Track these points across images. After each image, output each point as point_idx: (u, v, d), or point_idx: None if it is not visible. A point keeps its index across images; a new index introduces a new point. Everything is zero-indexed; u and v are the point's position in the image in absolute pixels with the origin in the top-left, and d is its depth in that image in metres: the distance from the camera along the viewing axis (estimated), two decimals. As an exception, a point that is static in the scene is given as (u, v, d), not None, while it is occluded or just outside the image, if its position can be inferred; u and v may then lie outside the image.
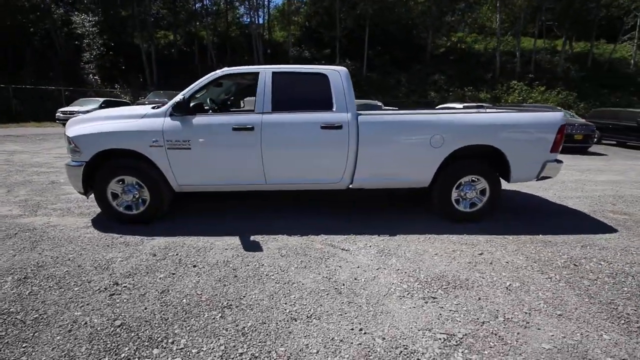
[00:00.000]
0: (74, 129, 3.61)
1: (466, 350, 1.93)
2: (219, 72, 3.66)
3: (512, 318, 2.26)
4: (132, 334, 2.00)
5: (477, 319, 2.23)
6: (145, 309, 2.25)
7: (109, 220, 3.79)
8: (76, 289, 2.48)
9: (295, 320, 2.16)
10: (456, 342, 2.00)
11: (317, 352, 1.89)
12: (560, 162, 3.93)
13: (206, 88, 3.72)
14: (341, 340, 1.99)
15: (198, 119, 3.52)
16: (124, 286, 2.52)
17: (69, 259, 2.94)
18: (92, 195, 3.75)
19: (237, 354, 1.86)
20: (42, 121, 19.16)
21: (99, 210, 4.11)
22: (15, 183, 5.64)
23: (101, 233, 3.52)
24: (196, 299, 2.38)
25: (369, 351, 1.91)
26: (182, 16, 29.44)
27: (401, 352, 1.91)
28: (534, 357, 1.89)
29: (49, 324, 2.09)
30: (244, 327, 2.08)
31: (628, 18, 26.80)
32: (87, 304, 2.29)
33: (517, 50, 26.02)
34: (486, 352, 1.92)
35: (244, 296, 2.42)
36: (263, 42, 29.44)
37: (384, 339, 2.01)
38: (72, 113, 16.45)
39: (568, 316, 2.28)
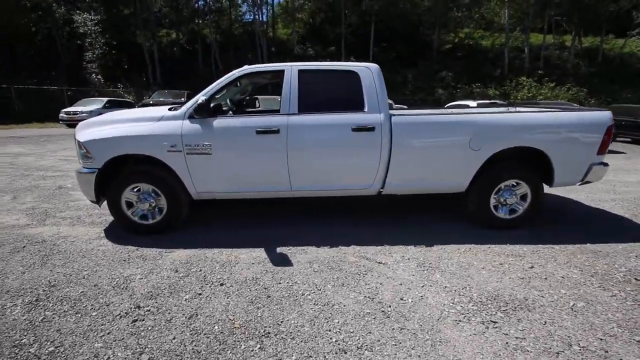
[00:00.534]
0: (85, 132, 3.35)
1: (552, 392, 1.66)
2: (240, 71, 3.39)
3: (587, 346, 1.99)
4: (163, 373, 1.75)
5: (550, 348, 1.97)
6: (174, 338, 2.00)
7: (123, 230, 3.54)
8: (94, 313, 2.23)
9: (345, 353, 1.90)
10: (537, 380, 1.73)
11: (380, 395, 1.63)
12: (606, 165, 3.65)
13: (226, 88, 3.45)
14: (404, 380, 1.72)
15: (219, 122, 3.25)
16: (147, 310, 2.26)
17: (84, 277, 2.69)
18: (104, 203, 3.50)
19: (288, 399, 1.60)
20: (45, 122, 18.96)
21: (110, 218, 3.86)
22: (21, 188, 5.40)
23: (115, 245, 3.26)
24: (229, 325, 2.12)
25: (440, 394, 1.64)
26: (184, 14, 29.12)
27: (477, 394, 1.64)
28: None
29: (67, 359, 1.84)
30: (290, 363, 1.82)
31: (638, 12, 26.29)
32: (108, 333, 2.04)
33: (525, 46, 25.59)
34: (576, 394, 1.65)
35: (281, 321, 2.16)
36: (267, 39, 29.11)
37: (453, 377, 1.75)
38: (75, 113, 16.24)
39: (653, 345, 2.01)
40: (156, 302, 2.35)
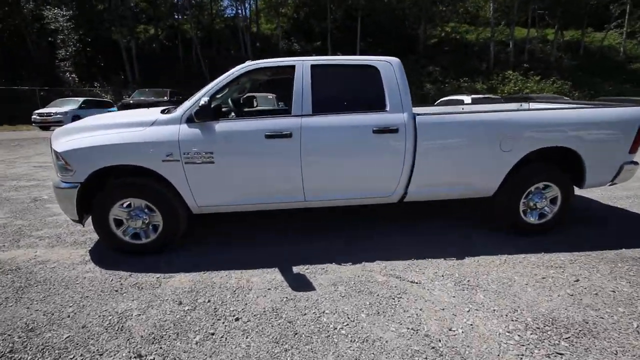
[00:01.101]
0: (63, 141, 2.87)
1: None
2: (243, 67, 2.97)
3: (675, 381, 1.71)
4: None
5: (636, 387, 1.68)
6: (189, 401, 1.60)
7: (111, 251, 3.09)
8: (85, 369, 1.81)
9: (404, 410, 1.56)
10: None
11: None
12: (637, 164, 3.43)
13: (228, 87, 3.03)
14: None
15: (222, 126, 2.84)
16: (151, 360, 1.86)
17: (69, 316, 2.24)
18: (88, 221, 3.04)
19: None
20: (16, 124, 17.82)
21: (96, 235, 3.39)
22: (-10, 202, 4.81)
23: (104, 271, 2.81)
24: (255, 377, 1.74)
25: None
26: (162, 9, 27.97)
27: None
28: None
29: None
30: None
31: (615, 6, 26.93)
32: (105, 398, 1.63)
33: (510, 40, 25.82)
34: None
35: (317, 368, 1.80)
36: (251, 35, 28.33)
37: None
38: (49, 115, 15.28)
39: None
40: (161, 348, 1.94)
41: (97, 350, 1.93)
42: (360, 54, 26.59)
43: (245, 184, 2.94)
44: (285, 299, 2.39)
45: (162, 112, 3.06)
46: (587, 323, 2.15)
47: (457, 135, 3.05)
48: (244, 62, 3.08)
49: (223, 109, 3.39)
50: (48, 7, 23.82)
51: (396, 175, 3.06)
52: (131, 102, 13.88)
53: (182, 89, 17.48)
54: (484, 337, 2.02)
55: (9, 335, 2.07)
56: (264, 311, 2.27)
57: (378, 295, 2.44)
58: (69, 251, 3.21)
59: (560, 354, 1.90)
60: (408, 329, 2.09)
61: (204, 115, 2.70)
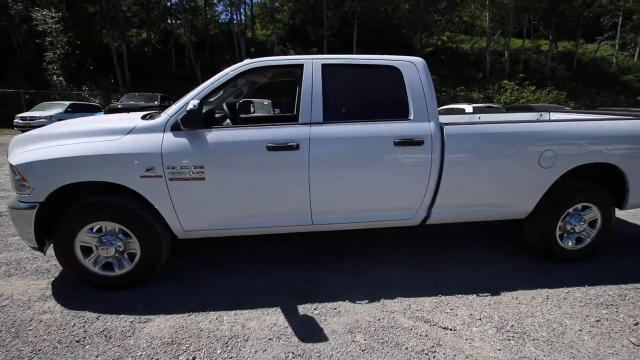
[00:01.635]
0: (20, 152, 2.36)
1: None
2: (241, 66, 2.51)
3: None
4: None
5: None
6: None
7: (79, 284, 2.56)
8: None
9: None
10: None
11: None
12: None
13: (223, 89, 2.56)
14: None
15: (215, 135, 2.36)
16: None
17: (10, 382, 1.72)
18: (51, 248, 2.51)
19: None
20: (-2, 128, 17.04)
21: (63, 263, 2.86)
22: (-53, 217, 4.22)
23: (66, 311, 2.29)
24: None
25: None
26: (155, 13, 27.47)
27: None
28: None
29: None
30: None
31: (605, 18, 27.29)
32: None
33: (506, 50, 25.89)
34: None
35: None
36: (245, 40, 27.98)
37: None
38: (32, 119, 14.57)
39: None
40: None
41: None
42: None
43: (241, 204, 2.46)
44: (291, 355, 1.90)
45: (144, 117, 2.57)
46: (674, 390, 1.70)
47: (490, 149, 2.62)
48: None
49: (216, 115, 2.92)
50: (37, 8, 23.13)
51: (419, 194, 2.61)
52: (119, 106, 13.28)
53: (174, 94, 16.95)
54: (554, 415, 1.55)
55: None
56: (266, 373, 1.77)
57: (407, 348, 1.96)
58: (28, 283, 2.67)
59: None
60: (453, 401, 1.62)
61: (193, 122, 2.22)
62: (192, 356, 1.88)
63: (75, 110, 15.59)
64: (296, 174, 2.43)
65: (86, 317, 2.22)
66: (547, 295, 2.53)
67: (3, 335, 2.06)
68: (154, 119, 2.45)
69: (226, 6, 30.26)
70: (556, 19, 25.00)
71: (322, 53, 26.40)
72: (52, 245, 2.48)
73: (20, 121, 14.68)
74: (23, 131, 14.66)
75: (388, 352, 1.92)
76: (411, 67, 2.56)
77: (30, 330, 2.11)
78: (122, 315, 2.24)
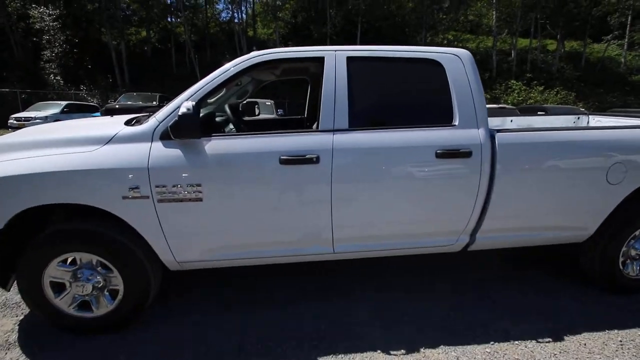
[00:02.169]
0: (-27, 166, 1.90)
1: None
2: (249, 59, 2.03)
3: None
4: None
5: None
6: None
7: (49, 325, 2.10)
8: None
9: None
10: None
11: None
12: None
13: (225, 88, 2.11)
14: None
15: (215, 145, 1.89)
16: None
17: None
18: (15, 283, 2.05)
19: None
20: (-7, 128, 16.57)
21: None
22: None
23: (31, 365, 1.83)
24: None
25: None
26: (155, 11, 26.98)
27: None
28: None
29: None
30: None
31: (613, 18, 26.77)
32: None
33: (513, 49, 25.36)
34: None
35: None
36: (247, 39, 27.51)
37: None
38: (27, 119, 14.08)
39: None
40: None
41: None
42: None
43: (247, 230, 2.00)
44: None
45: (128, 123, 2.11)
46: None
47: (551, 161, 2.15)
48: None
49: (217, 119, 2.46)
50: (34, 5, 22.68)
51: (464, 216, 2.15)
52: (117, 106, 12.82)
53: (174, 94, 16.46)
54: None
55: None
56: None
57: None
58: (-10, 322, 2.22)
59: None
60: None
61: (186, 130, 1.75)
62: None
63: (72, 111, 15.16)
64: (316, 192, 1.97)
65: (54, 375, 1.77)
66: (620, 340, 2.07)
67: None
68: (141, 123, 1.99)
69: (227, 4, 29.78)
70: (564, 17, 24.49)
71: (325, 52, 25.89)
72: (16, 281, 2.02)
73: (15, 122, 14.20)
74: (17, 132, 14.23)
75: None
76: (456, 61, 2.10)
77: (-21, 395, 1.66)
78: (99, 372, 1.78)
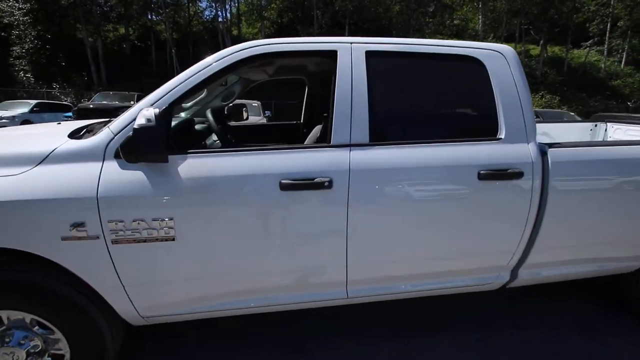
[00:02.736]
0: None
1: None
2: (237, 52, 1.53)
3: None
4: None
5: None
6: None
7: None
8: None
9: None
10: None
11: None
12: None
13: (205, 87, 1.61)
14: None
15: (192, 165, 1.40)
16: None
17: None
18: None
19: None
20: (-47, 129, 15.31)
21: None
22: None
23: None
24: None
25: None
26: (134, 7, 25.91)
27: None
28: None
29: None
30: None
31: (592, 25, 27.45)
32: None
33: (497, 54, 25.49)
34: None
35: None
36: (231, 38, 26.76)
37: None
38: (-8, 119, 13.06)
39: None
40: None
41: None
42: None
43: (235, 274, 1.53)
44: None
45: (75, 134, 1.59)
46: None
47: (612, 182, 1.76)
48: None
49: (197, 127, 1.97)
50: (3, -1, 21.32)
51: (509, 249, 1.74)
52: (91, 106, 11.98)
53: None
54: None
55: None
56: None
57: None
58: None
59: None
60: None
61: (145, 150, 1.25)
62: None
63: (43, 110, 14.21)
64: (327, 225, 1.51)
65: None
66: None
67: None
68: (93, 135, 1.47)
69: (211, 2, 28.88)
70: (547, 23, 24.90)
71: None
72: None
73: (-22, 122, 13.13)
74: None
75: None
76: (499, 59, 1.68)
77: None
78: None
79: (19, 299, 1.38)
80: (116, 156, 1.36)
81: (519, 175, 1.60)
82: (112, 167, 1.35)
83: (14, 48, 21.56)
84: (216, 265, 1.49)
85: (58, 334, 1.47)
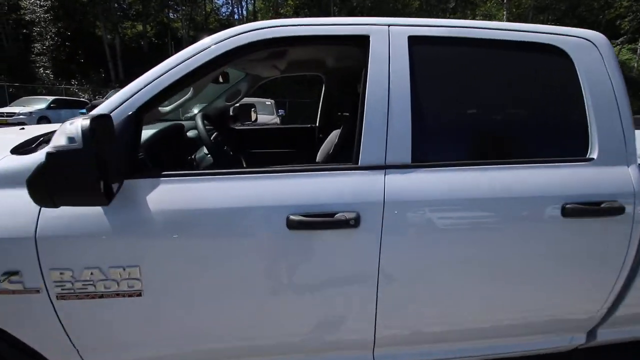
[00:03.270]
0: None
1: None
2: (237, 35, 1.13)
3: None
4: None
5: None
6: None
7: None
8: None
9: None
10: None
11: None
12: None
13: (196, 81, 1.22)
14: None
15: (166, 194, 1.02)
16: None
17: None
18: None
19: None
20: (-25, 124, 15.63)
21: None
22: None
23: None
24: None
25: None
26: (152, 4, 26.05)
27: None
28: None
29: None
30: None
31: (624, 21, 26.00)
32: None
33: (522, 51, 24.56)
34: None
35: None
36: (246, 36, 26.54)
37: None
38: (10, 115, 13.13)
39: None
40: None
41: None
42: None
43: (225, 334, 1.14)
44: None
45: (22, 147, 1.22)
46: None
47: None
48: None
49: (189, 134, 1.59)
50: (26, -4, 21.71)
51: (593, 303, 1.30)
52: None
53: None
54: None
55: None
56: None
57: None
58: None
59: None
60: None
61: (64, 187, 0.83)
62: None
63: (60, 106, 14.30)
64: (350, 272, 1.11)
65: None
66: None
67: None
68: (36, 150, 1.10)
69: (227, -1, 28.83)
70: (576, 20, 23.72)
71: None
72: None
73: (-3, 117, 13.28)
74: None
75: None
76: (589, 49, 1.23)
77: None
78: None
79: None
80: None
81: (617, 210, 1.15)
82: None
83: (35, 45, 21.97)
84: (200, 324, 1.11)
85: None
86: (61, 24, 21.98)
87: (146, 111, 1.06)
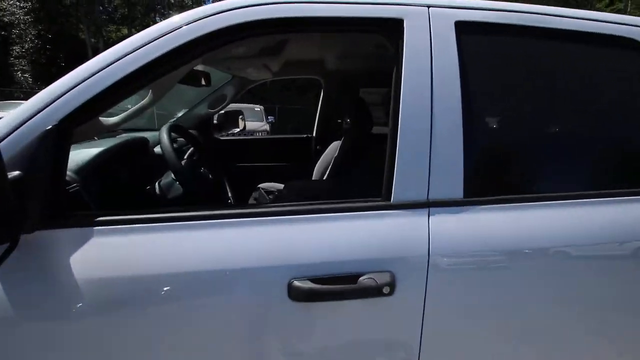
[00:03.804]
0: None
1: None
2: (229, 10, 0.76)
3: None
4: None
5: None
6: None
7: None
8: None
9: None
10: None
11: None
12: None
13: (142, 82, 0.84)
14: None
15: (102, 252, 0.66)
16: None
17: None
18: None
19: None
20: (-55, 129, 14.82)
21: None
22: None
23: None
24: None
25: None
26: (139, 8, 25.53)
27: None
28: None
29: None
30: None
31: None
32: None
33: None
34: None
35: None
36: (235, 41, 26.21)
37: None
38: (-17, 120, 12.49)
39: None
40: None
41: None
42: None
43: None
44: None
45: None
46: None
47: None
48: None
49: (157, 151, 1.24)
50: (5, -3, 20.95)
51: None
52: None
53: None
54: None
55: None
56: None
57: None
58: None
59: None
60: None
61: None
62: None
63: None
64: (380, 349, 0.77)
65: None
66: None
67: None
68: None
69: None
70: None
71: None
72: None
73: (-33, 123, 12.57)
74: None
75: None
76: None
77: None
78: None
79: None
80: None
81: None
82: None
83: (14, 47, 21.22)
84: None
85: None
86: (42, 26, 21.27)
87: (77, 123, 0.71)
